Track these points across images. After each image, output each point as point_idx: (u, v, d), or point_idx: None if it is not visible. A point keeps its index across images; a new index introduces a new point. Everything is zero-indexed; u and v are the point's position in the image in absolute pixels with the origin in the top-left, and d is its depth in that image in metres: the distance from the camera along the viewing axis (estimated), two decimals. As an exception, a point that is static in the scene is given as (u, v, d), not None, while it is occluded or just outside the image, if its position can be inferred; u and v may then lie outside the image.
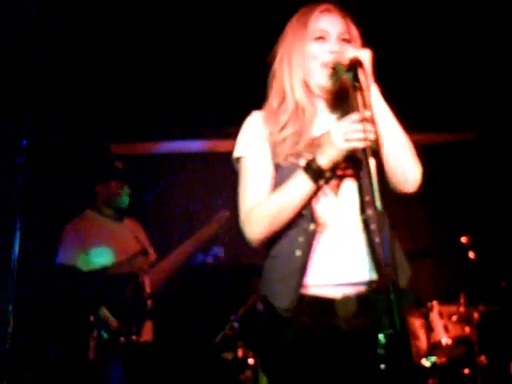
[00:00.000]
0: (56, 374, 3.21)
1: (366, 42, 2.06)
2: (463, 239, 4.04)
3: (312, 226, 1.94)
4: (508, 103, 4.48)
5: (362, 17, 2.11)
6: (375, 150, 1.79)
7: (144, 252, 3.51)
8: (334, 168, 1.93)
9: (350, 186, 1.99)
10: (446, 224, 4.72)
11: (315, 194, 1.94)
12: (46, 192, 3.75)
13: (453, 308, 4.00)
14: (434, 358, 3.85)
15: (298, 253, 1.93)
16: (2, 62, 3.49)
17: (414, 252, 3.50)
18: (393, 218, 1.98)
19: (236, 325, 3.61)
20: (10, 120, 3.33)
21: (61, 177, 4.02)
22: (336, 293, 1.93)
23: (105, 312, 3.19)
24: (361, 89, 1.80)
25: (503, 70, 4.28)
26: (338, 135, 1.86)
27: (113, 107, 4.35)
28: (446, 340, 3.90)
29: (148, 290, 3.48)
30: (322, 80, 2.01)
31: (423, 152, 2.03)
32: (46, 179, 3.67)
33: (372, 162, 1.74)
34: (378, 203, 1.71)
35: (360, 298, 1.94)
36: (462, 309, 3.97)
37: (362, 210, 1.97)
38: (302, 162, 1.94)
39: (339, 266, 1.94)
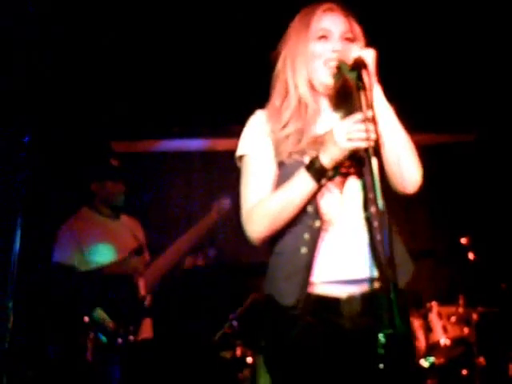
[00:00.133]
0: (56, 374, 3.19)
1: (368, 42, 2.06)
2: (463, 240, 4.04)
3: (317, 223, 1.93)
4: (508, 104, 4.48)
5: (363, 17, 2.11)
6: (377, 150, 1.79)
7: (140, 249, 3.45)
8: (337, 167, 1.93)
9: (353, 183, 1.98)
10: (446, 225, 4.73)
11: (317, 192, 1.93)
12: (46, 191, 3.74)
13: (452, 309, 4.00)
14: (432, 359, 3.86)
15: (304, 250, 1.92)
16: (3, 61, 3.48)
17: (413, 252, 3.48)
18: (393, 218, 1.98)
19: (235, 323, 3.60)
20: (10, 119, 3.32)
21: (61, 176, 4.01)
22: (341, 292, 1.93)
23: (100, 314, 3.17)
24: (364, 88, 1.79)
25: (503, 71, 4.28)
26: (341, 134, 1.86)
27: (113, 105, 4.34)
28: (444, 341, 3.90)
29: (143, 292, 3.45)
30: (325, 78, 2.01)
31: (424, 152, 2.02)
32: (46, 178, 3.66)
33: (374, 162, 1.74)
34: (380, 202, 1.71)
35: (364, 298, 1.93)
36: (461, 310, 3.97)
37: (366, 207, 1.96)
38: (307, 160, 1.93)
39: (344, 263, 1.93)
